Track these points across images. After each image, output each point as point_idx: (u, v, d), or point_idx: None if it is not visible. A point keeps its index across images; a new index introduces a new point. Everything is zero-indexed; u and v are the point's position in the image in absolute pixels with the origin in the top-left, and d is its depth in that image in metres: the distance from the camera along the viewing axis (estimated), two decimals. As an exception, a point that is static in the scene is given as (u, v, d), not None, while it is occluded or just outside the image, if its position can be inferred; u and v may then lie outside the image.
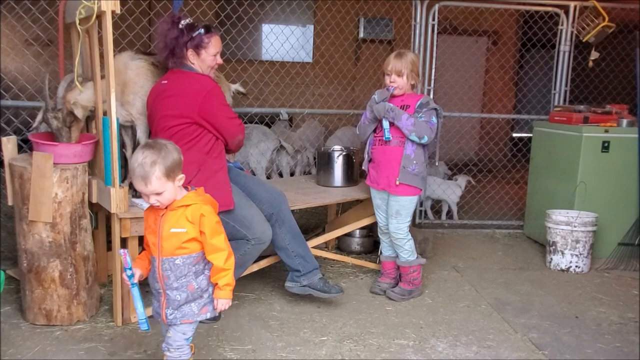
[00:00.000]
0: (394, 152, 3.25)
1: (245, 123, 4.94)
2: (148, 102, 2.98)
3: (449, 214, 5.26)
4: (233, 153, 3.22)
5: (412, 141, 3.19)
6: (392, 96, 3.27)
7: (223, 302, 2.10)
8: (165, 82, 2.91)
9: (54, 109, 2.86)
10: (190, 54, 2.91)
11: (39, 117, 2.95)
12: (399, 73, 3.22)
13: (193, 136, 2.82)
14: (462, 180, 5.29)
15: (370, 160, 3.42)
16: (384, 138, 3.24)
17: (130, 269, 2.05)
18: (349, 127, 6.20)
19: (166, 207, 2.06)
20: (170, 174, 1.98)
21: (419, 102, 3.23)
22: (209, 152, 2.86)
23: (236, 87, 3.65)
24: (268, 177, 5.10)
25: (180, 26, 2.88)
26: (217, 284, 2.09)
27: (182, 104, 2.81)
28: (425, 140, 3.17)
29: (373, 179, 3.40)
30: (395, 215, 3.31)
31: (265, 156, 4.92)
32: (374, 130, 3.36)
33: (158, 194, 1.99)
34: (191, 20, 2.92)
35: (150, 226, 2.11)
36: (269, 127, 5.44)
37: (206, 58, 2.94)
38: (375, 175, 3.38)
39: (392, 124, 3.21)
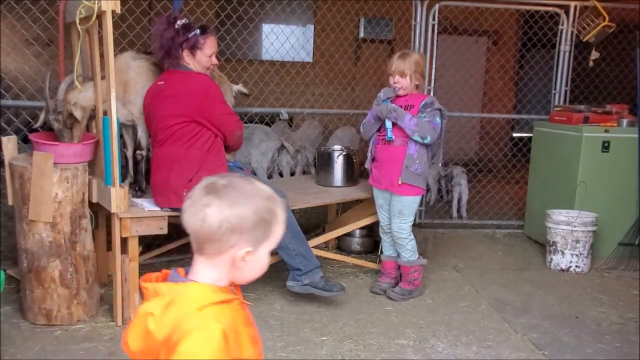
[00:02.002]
0: (397, 151, 3.24)
1: (246, 122, 4.95)
2: (145, 103, 2.99)
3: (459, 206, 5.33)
4: (233, 151, 3.22)
5: (415, 141, 3.19)
6: (397, 96, 3.26)
7: None
8: (162, 82, 2.92)
9: (55, 111, 2.86)
10: (186, 54, 2.92)
11: (41, 118, 2.95)
12: (402, 73, 3.21)
13: (193, 134, 2.83)
14: (459, 170, 5.36)
15: (373, 160, 3.42)
16: (386, 137, 3.24)
17: None
18: (348, 127, 6.19)
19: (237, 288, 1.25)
20: None
21: (423, 102, 3.22)
22: (209, 149, 2.87)
23: (239, 87, 3.66)
24: (269, 177, 5.10)
25: (176, 27, 2.88)
26: None
27: (181, 103, 2.82)
28: (428, 140, 3.17)
29: (376, 178, 3.40)
30: (398, 214, 3.31)
31: (266, 156, 4.92)
32: (378, 130, 3.35)
33: None
34: (187, 21, 2.92)
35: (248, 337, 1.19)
36: (269, 127, 5.43)
37: (201, 59, 2.94)
38: (377, 174, 3.38)
39: (394, 124, 3.21)
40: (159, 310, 1.10)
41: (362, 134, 3.46)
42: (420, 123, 3.15)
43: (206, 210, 1.12)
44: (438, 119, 3.21)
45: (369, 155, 3.44)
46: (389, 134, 3.22)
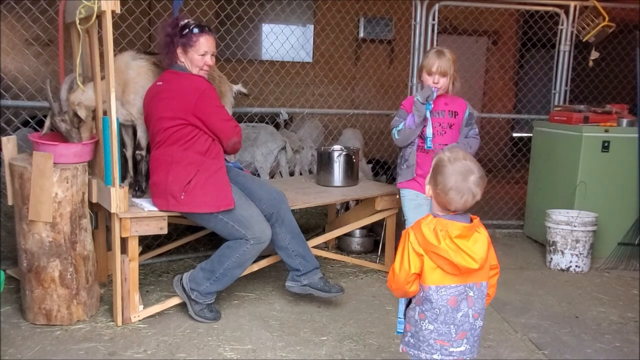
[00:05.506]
0: None
1: (244, 122, 4.95)
2: (144, 103, 2.98)
3: None
4: (231, 154, 3.20)
5: None
6: (437, 96, 3.08)
7: None
8: (160, 83, 2.91)
9: (60, 112, 2.86)
10: (180, 52, 2.89)
11: (47, 121, 2.95)
12: (445, 73, 3.03)
13: (189, 137, 2.82)
14: None
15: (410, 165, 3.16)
16: (425, 147, 3.05)
17: None
18: (354, 128, 6.17)
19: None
20: None
21: (467, 112, 3.13)
22: (206, 152, 2.86)
23: (238, 88, 3.65)
24: (272, 177, 5.10)
25: (175, 24, 2.89)
26: None
27: (177, 105, 2.81)
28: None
29: (423, 184, 3.14)
30: None
31: (269, 157, 4.92)
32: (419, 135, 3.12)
33: None
34: (190, 21, 2.90)
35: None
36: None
37: (193, 57, 2.88)
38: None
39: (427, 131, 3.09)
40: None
41: (398, 142, 3.11)
42: (473, 146, 3.11)
43: None
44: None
45: (410, 161, 3.12)
46: (429, 143, 3.03)
